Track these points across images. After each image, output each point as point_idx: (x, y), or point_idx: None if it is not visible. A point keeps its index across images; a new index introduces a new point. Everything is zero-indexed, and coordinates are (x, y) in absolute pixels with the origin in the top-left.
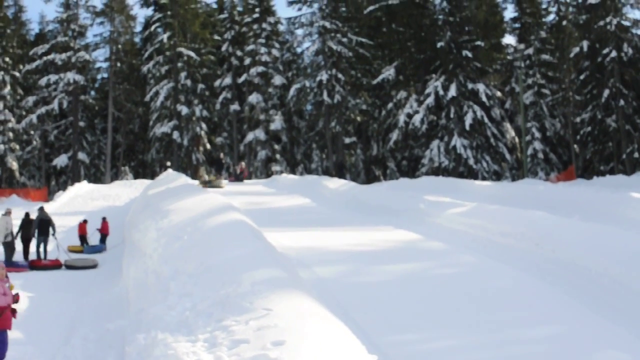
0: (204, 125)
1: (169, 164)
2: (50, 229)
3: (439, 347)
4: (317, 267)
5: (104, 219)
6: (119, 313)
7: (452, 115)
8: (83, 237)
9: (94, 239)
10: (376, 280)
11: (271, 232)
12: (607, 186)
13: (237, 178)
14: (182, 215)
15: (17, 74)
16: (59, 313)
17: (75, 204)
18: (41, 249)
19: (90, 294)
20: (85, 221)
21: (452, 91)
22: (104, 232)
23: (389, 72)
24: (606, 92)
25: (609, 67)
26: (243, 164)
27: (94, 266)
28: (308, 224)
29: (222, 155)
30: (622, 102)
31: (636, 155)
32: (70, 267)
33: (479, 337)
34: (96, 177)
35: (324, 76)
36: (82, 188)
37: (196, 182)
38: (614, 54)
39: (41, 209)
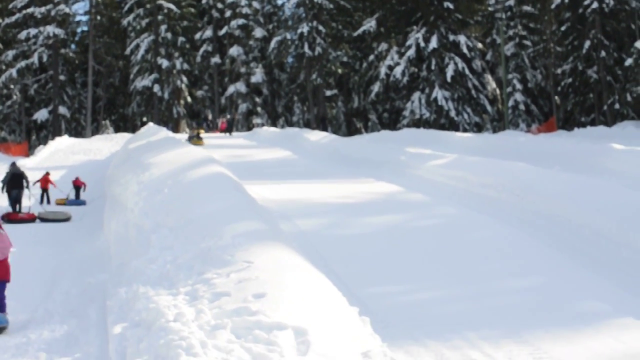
0: (184, 79)
1: (144, 119)
2: (24, 182)
3: (420, 298)
4: (299, 219)
5: (76, 178)
6: (100, 267)
7: (433, 67)
8: (45, 190)
9: (71, 195)
10: (357, 233)
11: (252, 184)
12: (588, 137)
13: (228, 128)
14: (163, 168)
15: None
16: (40, 267)
17: (56, 158)
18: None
19: (72, 248)
20: (47, 173)
21: (433, 43)
22: (77, 184)
23: (370, 24)
24: (587, 44)
25: (590, 18)
26: (228, 115)
27: (67, 219)
28: (289, 177)
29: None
30: (603, 53)
31: (617, 106)
32: (44, 219)
33: (460, 289)
34: (77, 131)
35: (304, 28)
36: (62, 142)
37: (179, 135)
38: (595, 5)
39: (13, 164)
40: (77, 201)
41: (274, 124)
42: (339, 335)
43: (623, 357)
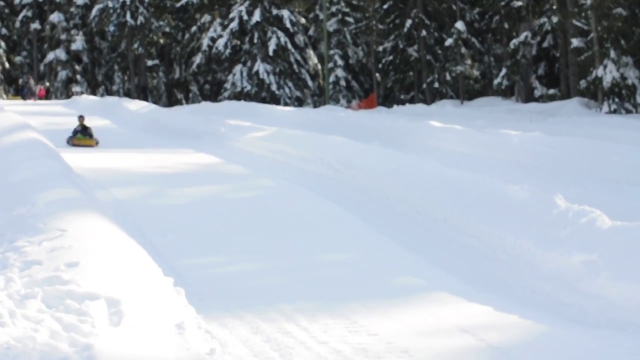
0: (2, 44)
1: None
2: None
3: (236, 270)
4: (115, 188)
5: None
6: None
7: (255, 41)
8: None
9: None
10: (175, 203)
11: (69, 153)
12: (407, 114)
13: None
14: None
15: None
16: None
17: None
18: None
19: None
20: None
21: (257, 16)
22: None
23: None
24: (408, 22)
25: None
26: (47, 83)
27: None
28: (107, 146)
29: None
30: (424, 33)
31: (436, 85)
32: None
33: (276, 261)
34: None
35: None
36: None
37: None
38: None
39: None
40: None
41: (93, 93)
42: (153, 306)
43: (437, 332)
